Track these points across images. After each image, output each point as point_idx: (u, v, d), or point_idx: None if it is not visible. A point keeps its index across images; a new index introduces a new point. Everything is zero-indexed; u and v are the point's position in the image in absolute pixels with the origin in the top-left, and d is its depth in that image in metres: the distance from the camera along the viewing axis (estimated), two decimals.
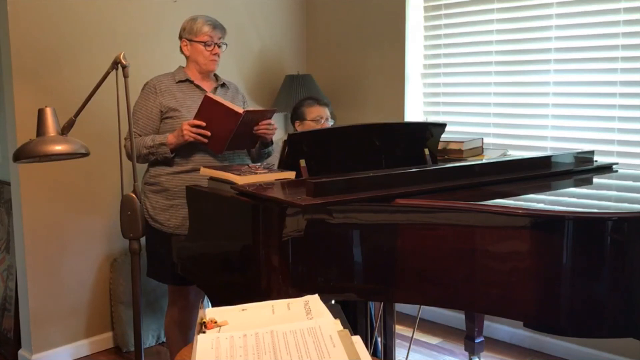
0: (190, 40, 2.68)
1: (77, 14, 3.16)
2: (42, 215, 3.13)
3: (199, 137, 2.49)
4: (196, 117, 2.50)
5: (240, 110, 2.45)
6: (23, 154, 2.13)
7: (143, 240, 2.25)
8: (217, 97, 2.53)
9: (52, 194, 3.15)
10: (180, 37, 2.72)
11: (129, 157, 2.57)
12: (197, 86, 2.70)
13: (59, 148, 2.13)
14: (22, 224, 3.09)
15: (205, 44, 2.65)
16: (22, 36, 3.00)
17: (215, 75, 2.80)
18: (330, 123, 3.12)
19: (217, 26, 2.68)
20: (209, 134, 2.49)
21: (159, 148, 2.56)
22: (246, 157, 2.78)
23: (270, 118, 2.61)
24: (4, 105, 3.14)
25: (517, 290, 1.72)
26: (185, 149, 2.60)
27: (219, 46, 2.69)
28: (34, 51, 3.04)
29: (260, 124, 2.57)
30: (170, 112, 2.62)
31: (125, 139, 2.63)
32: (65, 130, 2.22)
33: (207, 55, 2.66)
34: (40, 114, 2.16)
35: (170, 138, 2.54)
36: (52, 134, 2.15)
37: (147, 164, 2.73)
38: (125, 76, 2.16)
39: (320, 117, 3.03)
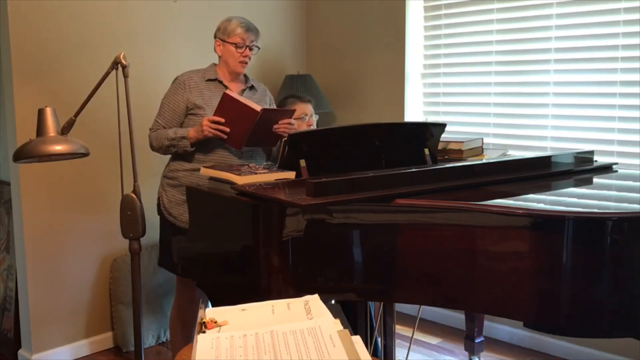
0: (223, 41, 2.71)
1: (77, 14, 3.16)
2: (42, 215, 3.13)
3: (218, 133, 2.53)
4: (215, 113, 2.53)
5: (258, 108, 2.47)
6: (23, 154, 2.13)
7: (143, 239, 2.25)
8: (236, 95, 2.58)
9: (52, 194, 3.15)
10: (215, 37, 2.76)
11: (152, 147, 2.70)
12: (225, 87, 2.73)
13: (59, 148, 2.13)
14: (22, 224, 3.09)
15: (237, 45, 2.68)
16: (22, 36, 3.00)
17: (245, 76, 2.83)
18: (315, 118, 3.13)
19: (250, 28, 2.72)
20: (228, 130, 2.52)
21: (179, 141, 2.60)
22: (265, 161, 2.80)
23: (290, 117, 2.64)
24: (4, 105, 3.14)
25: (517, 290, 1.72)
26: (206, 148, 2.65)
27: (251, 49, 2.72)
28: (34, 51, 3.04)
29: (280, 122, 2.60)
30: (196, 109, 2.67)
31: (150, 129, 2.72)
32: (65, 130, 2.22)
33: (237, 57, 2.69)
34: (40, 114, 2.16)
35: (191, 132, 2.59)
36: (52, 134, 2.15)
37: (168, 159, 2.78)
38: (125, 76, 2.16)
39: (304, 115, 3.04)
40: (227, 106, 2.50)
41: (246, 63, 2.72)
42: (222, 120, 2.51)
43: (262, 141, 2.68)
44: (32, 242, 3.11)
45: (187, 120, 2.70)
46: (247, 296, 1.77)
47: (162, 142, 2.64)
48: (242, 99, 2.55)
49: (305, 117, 3.04)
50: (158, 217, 2.77)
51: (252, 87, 2.83)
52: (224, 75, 2.75)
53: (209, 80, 2.73)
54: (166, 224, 2.73)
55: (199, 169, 2.62)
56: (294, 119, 3.03)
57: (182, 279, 2.76)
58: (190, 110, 2.68)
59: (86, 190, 3.27)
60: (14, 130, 3.03)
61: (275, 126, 2.60)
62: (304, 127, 3.01)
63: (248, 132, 2.50)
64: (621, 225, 1.67)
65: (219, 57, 2.76)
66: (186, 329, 2.80)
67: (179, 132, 2.62)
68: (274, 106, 2.95)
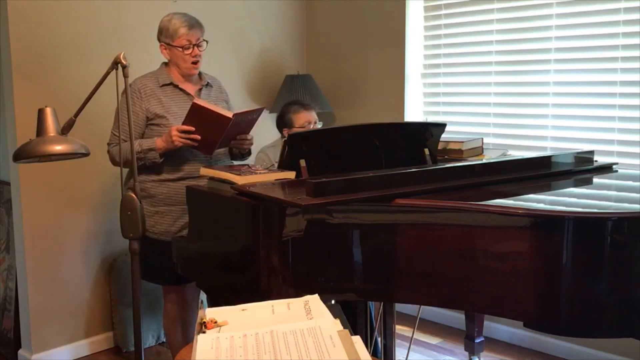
0: (168, 44, 2.58)
1: (77, 14, 3.16)
2: (42, 215, 3.13)
3: (189, 142, 2.45)
4: (185, 122, 2.45)
5: (230, 114, 2.41)
6: (23, 154, 2.13)
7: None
8: (205, 103, 2.48)
9: (52, 194, 3.15)
10: (159, 40, 2.62)
11: (114, 162, 2.55)
12: (182, 90, 2.64)
13: (59, 148, 2.13)
14: (22, 224, 3.09)
15: (184, 47, 2.55)
16: (22, 36, 3.00)
17: (199, 73, 2.71)
18: (318, 126, 3.11)
19: (193, 25, 2.57)
20: (199, 138, 2.45)
21: (147, 153, 2.50)
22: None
23: (258, 117, 2.58)
24: (4, 105, 3.14)
25: (517, 290, 1.72)
26: (174, 158, 2.57)
27: (199, 46, 2.59)
28: (34, 51, 3.04)
29: (237, 137, 2.57)
30: (157, 118, 2.57)
31: (108, 144, 2.60)
32: (65, 130, 2.22)
33: (187, 59, 2.57)
34: (40, 114, 2.16)
35: (159, 143, 2.49)
36: (52, 134, 2.15)
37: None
38: (125, 76, 2.16)
39: (308, 123, 3.02)
40: (197, 115, 2.42)
41: (198, 62, 2.60)
42: (192, 129, 2.43)
43: (232, 142, 2.63)
44: (32, 242, 3.11)
45: (148, 131, 2.58)
46: (247, 296, 1.77)
47: (126, 156, 2.42)
48: (212, 107, 2.44)
49: (309, 126, 3.01)
50: None
51: (207, 84, 2.73)
52: (177, 78, 2.63)
53: (163, 85, 2.61)
54: None
55: (167, 180, 2.58)
56: (297, 127, 3.02)
57: (167, 288, 2.75)
58: (151, 120, 2.57)
59: (86, 190, 3.26)
60: (14, 130, 3.03)
61: (233, 142, 2.57)
62: None
63: (220, 138, 2.46)
64: (621, 225, 1.67)
65: (168, 59, 2.64)
66: (183, 333, 2.79)
67: (145, 144, 2.50)
68: (230, 103, 2.84)
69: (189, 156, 2.59)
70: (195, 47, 2.57)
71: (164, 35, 2.59)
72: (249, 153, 2.77)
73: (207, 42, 2.64)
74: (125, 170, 2.67)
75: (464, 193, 2.00)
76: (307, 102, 3.23)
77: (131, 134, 2.22)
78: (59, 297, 3.22)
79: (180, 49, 2.56)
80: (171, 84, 2.63)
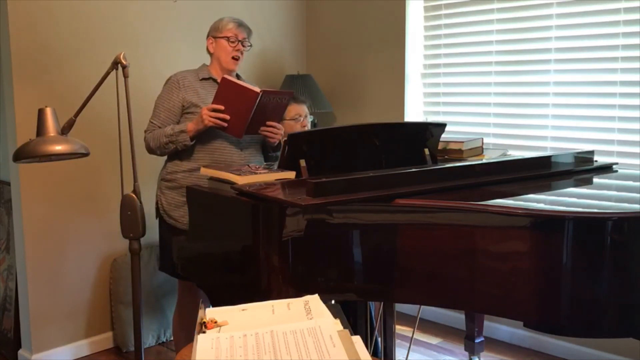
0: (215, 37, 2.72)
1: (77, 14, 3.16)
2: (42, 215, 3.13)
3: (219, 122, 2.51)
4: (215, 100, 2.52)
5: (258, 89, 2.46)
6: (23, 154, 2.13)
7: (143, 239, 2.25)
8: (235, 79, 2.56)
9: (52, 194, 3.15)
10: (207, 37, 2.76)
11: (149, 148, 2.66)
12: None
13: (59, 148, 2.13)
14: (22, 224, 3.09)
15: (229, 39, 2.68)
16: (22, 36, 3.00)
17: (238, 76, 2.81)
18: (309, 119, 3.13)
19: (242, 25, 2.74)
20: (228, 117, 2.50)
21: (178, 136, 2.58)
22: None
23: (286, 104, 2.63)
24: (4, 105, 3.14)
25: (517, 290, 1.72)
26: (204, 148, 2.63)
27: (243, 45, 2.72)
28: (34, 51, 3.04)
29: (267, 123, 2.58)
30: (192, 107, 2.65)
31: (145, 131, 2.69)
32: (65, 130, 2.22)
33: (229, 51, 2.69)
34: (40, 114, 2.16)
35: (190, 125, 2.57)
36: (52, 134, 2.15)
37: (164, 161, 2.75)
38: (125, 76, 2.16)
39: (298, 116, 3.05)
40: (226, 91, 2.48)
41: (238, 59, 2.71)
42: (222, 107, 2.49)
43: (261, 128, 2.63)
44: (32, 242, 3.11)
45: (183, 119, 2.67)
46: (247, 296, 1.77)
47: (159, 140, 2.60)
48: (241, 82, 2.54)
49: (300, 118, 3.05)
50: (156, 220, 2.75)
51: None
52: (217, 74, 2.74)
53: (202, 79, 2.72)
54: (166, 228, 2.70)
55: (197, 169, 2.61)
56: (288, 119, 3.04)
57: (185, 283, 2.76)
58: (187, 109, 2.67)
59: (86, 190, 3.27)
60: (14, 130, 3.03)
61: (263, 128, 2.59)
62: (297, 128, 3.01)
63: (248, 117, 2.48)
64: (621, 225, 1.67)
65: (211, 55, 2.76)
66: (189, 333, 2.80)
67: (177, 128, 2.60)
68: None
69: (219, 146, 2.64)
70: (240, 43, 2.71)
71: (213, 30, 2.75)
72: (279, 147, 2.78)
73: (251, 45, 2.77)
74: (158, 161, 2.79)
75: (464, 193, 2.00)
76: (299, 96, 3.26)
77: (131, 132, 2.22)
78: (59, 297, 3.22)
79: (226, 39, 2.68)
80: (210, 78, 2.73)
